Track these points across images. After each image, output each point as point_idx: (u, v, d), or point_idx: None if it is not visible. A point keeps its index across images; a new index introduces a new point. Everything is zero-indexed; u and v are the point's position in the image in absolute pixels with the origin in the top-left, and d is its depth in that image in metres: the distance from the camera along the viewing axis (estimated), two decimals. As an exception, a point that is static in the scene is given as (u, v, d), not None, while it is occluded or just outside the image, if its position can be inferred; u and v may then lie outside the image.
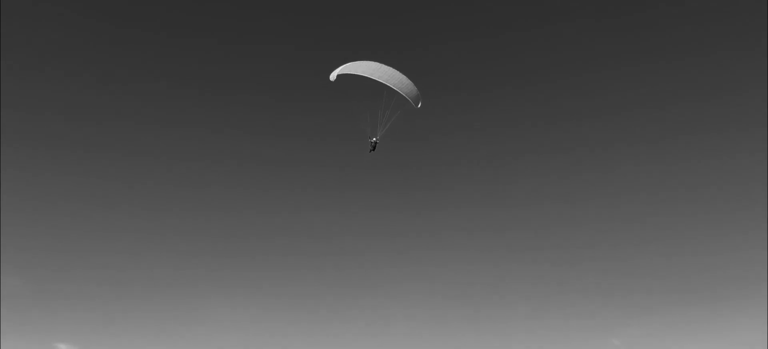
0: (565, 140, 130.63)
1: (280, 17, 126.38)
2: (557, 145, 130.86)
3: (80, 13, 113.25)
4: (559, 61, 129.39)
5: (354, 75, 32.65)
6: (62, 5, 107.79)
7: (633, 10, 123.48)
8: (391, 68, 32.84)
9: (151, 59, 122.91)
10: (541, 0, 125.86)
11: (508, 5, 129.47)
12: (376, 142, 36.79)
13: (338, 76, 32.36)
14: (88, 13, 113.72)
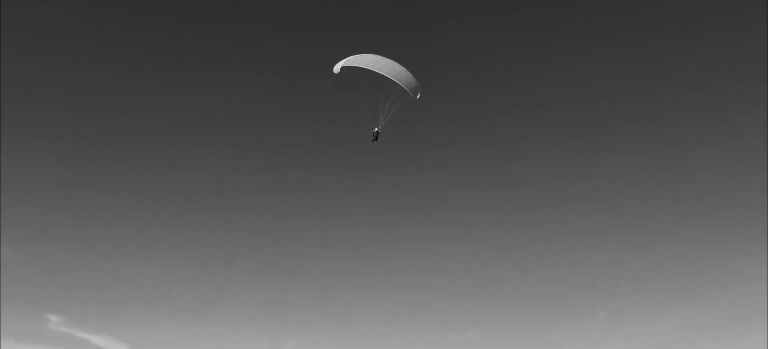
0: (554, 124, 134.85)
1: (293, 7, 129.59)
2: (547, 128, 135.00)
3: None
4: (553, 47, 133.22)
5: (356, 68, 34.03)
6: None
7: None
8: (391, 60, 34.25)
9: (164, 45, 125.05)
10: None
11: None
12: (378, 132, 37.85)
13: (342, 68, 33.76)
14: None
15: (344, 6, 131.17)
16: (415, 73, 34.26)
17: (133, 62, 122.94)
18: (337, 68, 33.88)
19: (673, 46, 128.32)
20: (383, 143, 35.98)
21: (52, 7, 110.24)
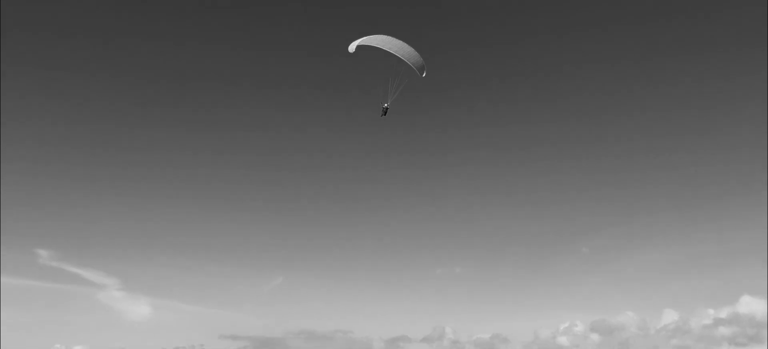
0: (545, 56, 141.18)
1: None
2: (532, 72, 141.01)
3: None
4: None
5: (369, 49, 36.64)
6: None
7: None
8: (400, 41, 36.89)
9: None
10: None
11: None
12: (387, 108, 39.39)
13: (357, 47, 36.30)
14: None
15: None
16: (421, 53, 36.94)
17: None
18: (352, 47, 36.67)
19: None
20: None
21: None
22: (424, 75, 38.55)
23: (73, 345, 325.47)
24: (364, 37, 36.32)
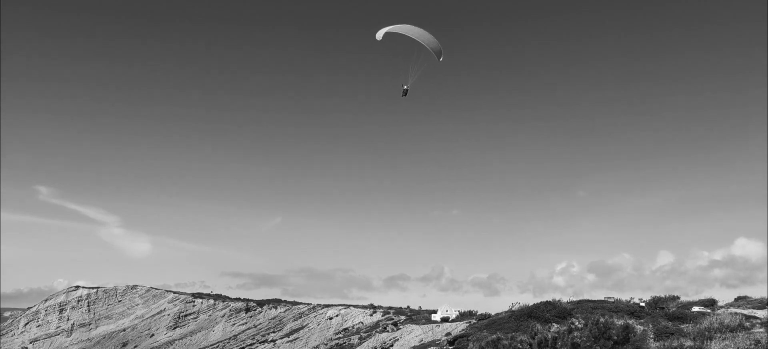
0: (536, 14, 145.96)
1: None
2: (530, 16, 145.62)
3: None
4: None
5: (394, 36, 37.80)
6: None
7: None
8: (421, 29, 37.79)
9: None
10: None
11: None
12: (407, 89, 41.27)
13: (384, 35, 37.50)
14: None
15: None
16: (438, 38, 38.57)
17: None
18: (379, 35, 37.96)
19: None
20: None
21: None
22: (440, 59, 39.77)
23: (75, 280, 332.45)
24: (390, 26, 38.17)
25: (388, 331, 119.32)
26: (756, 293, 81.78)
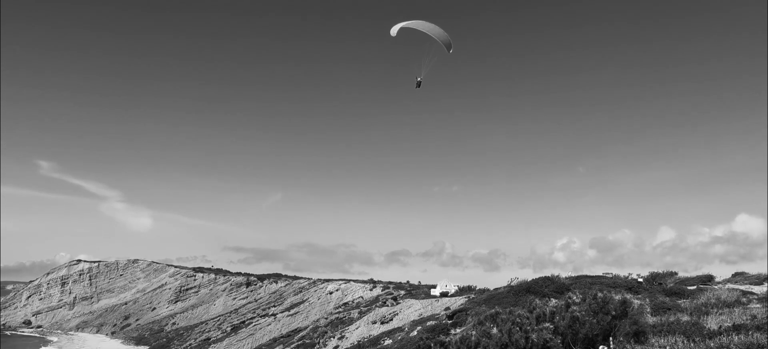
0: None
1: None
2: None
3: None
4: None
5: (408, 32, 38.87)
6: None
7: None
8: (432, 24, 38.58)
9: None
10: None
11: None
12: (420, 81, 42.77)
13: (398, 31, 38.40)
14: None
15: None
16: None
17: None
18: (394, 31, 38.89)
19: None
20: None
21: None
22: (450, 52, 40.42)
23: (77, 254, 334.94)
24: (404, 23, 40.81)
25: (387, 305, 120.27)
26: (755, 269, 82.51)
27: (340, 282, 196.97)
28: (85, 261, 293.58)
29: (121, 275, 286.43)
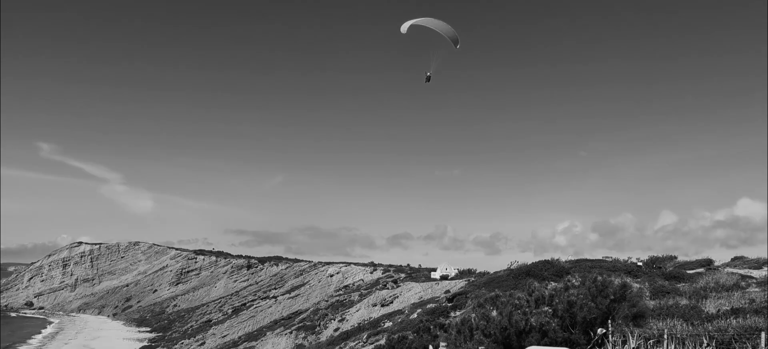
0: None
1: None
2: None
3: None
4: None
5: (417, 28, 39.30)
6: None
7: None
8: (440, 20, 39.68)
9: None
10: None
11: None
12: (430, 76, 44.15)
13: (408, 28, 39.16)
14: None
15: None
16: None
17: None
18: (403, 28, 39.74)
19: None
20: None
21: None
22: (458, 47, 41.32)
23: (78, 236, 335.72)
24: (412, 20, 40.20)
25: (387, 288, 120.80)
26: (755, 253, 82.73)
27: (341, 265, 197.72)
28: (86, 243, 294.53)
29: (122, 258, 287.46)
